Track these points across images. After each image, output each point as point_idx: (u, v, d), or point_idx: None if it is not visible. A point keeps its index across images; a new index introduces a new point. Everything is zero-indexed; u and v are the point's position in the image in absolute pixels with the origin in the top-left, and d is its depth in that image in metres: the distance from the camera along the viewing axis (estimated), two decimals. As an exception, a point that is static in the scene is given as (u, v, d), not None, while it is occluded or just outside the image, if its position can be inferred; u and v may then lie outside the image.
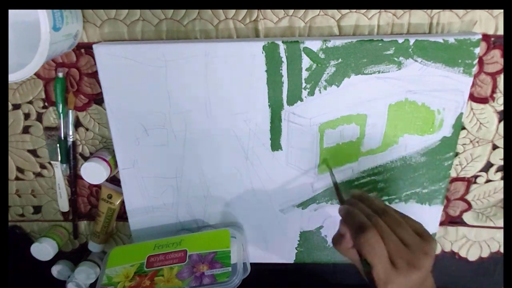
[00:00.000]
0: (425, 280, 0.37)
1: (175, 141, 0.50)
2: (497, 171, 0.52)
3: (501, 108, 0.48)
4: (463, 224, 0.56)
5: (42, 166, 0.55)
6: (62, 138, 0.52)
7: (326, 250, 0.56)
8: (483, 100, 0.48)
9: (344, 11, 0.45)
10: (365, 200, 0.41)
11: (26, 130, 0.53)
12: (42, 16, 0.36)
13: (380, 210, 0.39)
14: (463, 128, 0.50)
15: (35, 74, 0.50)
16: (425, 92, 0.46)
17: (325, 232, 0.55)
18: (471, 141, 0.50)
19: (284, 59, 0.45)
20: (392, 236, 0.36)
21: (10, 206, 0.59)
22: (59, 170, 0.55)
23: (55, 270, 0.61)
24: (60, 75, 0.49)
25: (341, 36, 0.46)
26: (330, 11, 0.45)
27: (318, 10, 0.45)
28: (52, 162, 0.54)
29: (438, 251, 0.58)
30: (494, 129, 0.49)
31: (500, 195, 0.54)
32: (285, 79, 0.46)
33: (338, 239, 0.42)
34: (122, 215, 0.57)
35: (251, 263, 0.51)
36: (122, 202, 0.55)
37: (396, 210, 0.40)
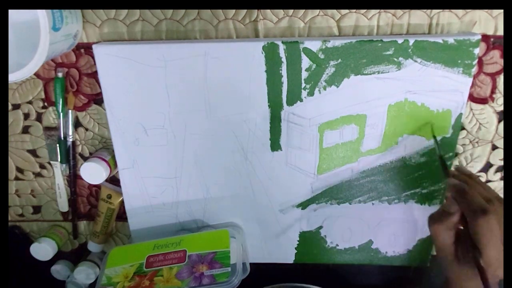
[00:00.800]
0: None
1: (175, 141, 0.50)
2: (496, 171, 0.52)
3: (501, 108, 0.48)
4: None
5: (42, 166, 0.55)
6: (62, 138, 0.52)
7: (326, 251, 0.56)
8: (482, 101, 0.48)
9: (343, 12, 0.45)
10: (478, 182, 0.41)
11: (25, 130, 0.53)
12: (42, 16, 0.36)
13: (495, 197, 0.39)
14: (463, 128, 0.50)
15: (34, 74, 0.50)
16: (425, 92, 0.46)
17: (324, 233, 0.55)
18: (470, 142, 0.50)
19: (283, 60, 0.45)
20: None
21: (10, 206, 0.59)
22: (58, 170, 0.55)
23: (55, 270, 0.61)
24: (60, 75, 0.49)
25: (341, 37, 0.46)
26: (330, 12, 0.45)
27: (318, 11, 0.45)
28: (51, 162, 0.54)
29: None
30: (494, 129, 0.49)
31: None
32: (284, 79, 0.46)
33: (441, 216, 0.40)
34: (121, 215, 0.57)
35: (250, 263, 0.51)
36: (122, 202, 0.55)
37: None
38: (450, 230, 0.40)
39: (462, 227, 0.40)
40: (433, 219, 0.41)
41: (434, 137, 0.47)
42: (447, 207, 0.40)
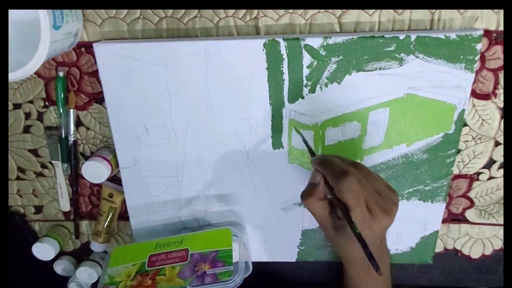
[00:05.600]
0: (387, 230, 0.41)
1: (176, 140, 0.50)
2: (499, 168, 0.52)
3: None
4: (466, 221, 0.56)
5: (43, 166, 0.55)
6: (63, 138, 0.52)
7: (329, 249, 0.56)
8: (485, 97, 0.48)
9: (344, 8, 0.44)
10: (336, 156, 0.42)
11: (27, 129, 0.53)
12: (42, 14, 0.36)
13: (351, 163, 0.41)
14: (465, 124, 0.49)
15: (35, 73, 0.49)
16: (427, 88, 0.45)
17: (327, 230, 0.55)
18: (473, 138, 0.50)
19: (284, 57, 0.44)
20: (367, 184, 0.38)
21: (12, 206, 0.59)
22: (60, 170, 0.55)
23: (58, 267, 0.61)
24: (61, 74, 0.49)
25: (342, 33, 0.45)
26: (331, 8, 0.45)
27: (319, 7, 0.45)
28: (53, 161, 0.54)
29: (440, 248, 0.58)
30: (497, 125, 0.49)
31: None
32: (286, 76, 0.45)
33: (310, 190, 0.41)
34: (123, 214, 0.57)
35: (252, 262, 0.51)
36: (123, 201, 0.55)
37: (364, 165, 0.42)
38: (321, 201, 0.41)
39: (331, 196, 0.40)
40: (304, 195, 0.42)
41: (298, 131, 0.47)
42: (312, 178, 0.42)
